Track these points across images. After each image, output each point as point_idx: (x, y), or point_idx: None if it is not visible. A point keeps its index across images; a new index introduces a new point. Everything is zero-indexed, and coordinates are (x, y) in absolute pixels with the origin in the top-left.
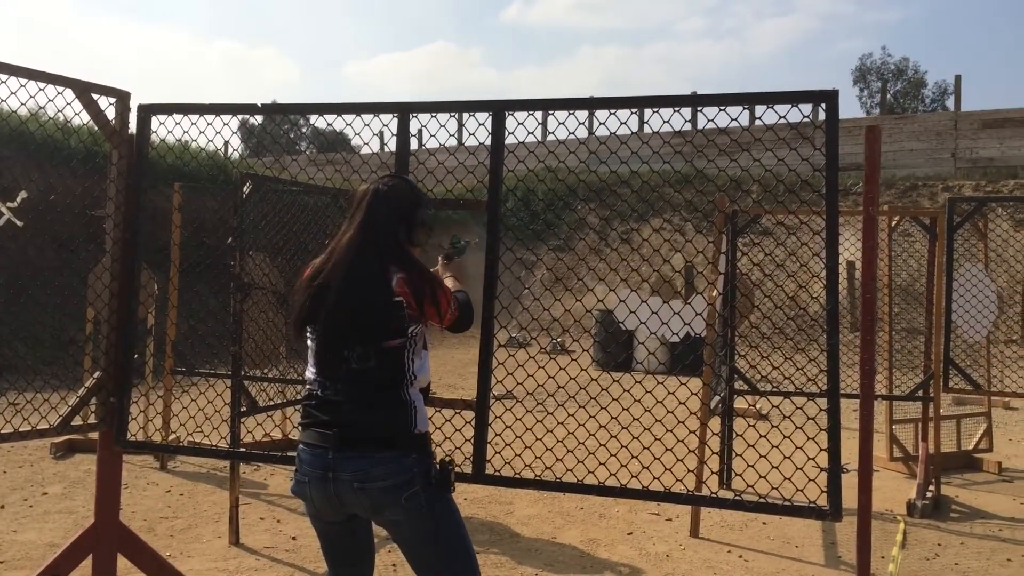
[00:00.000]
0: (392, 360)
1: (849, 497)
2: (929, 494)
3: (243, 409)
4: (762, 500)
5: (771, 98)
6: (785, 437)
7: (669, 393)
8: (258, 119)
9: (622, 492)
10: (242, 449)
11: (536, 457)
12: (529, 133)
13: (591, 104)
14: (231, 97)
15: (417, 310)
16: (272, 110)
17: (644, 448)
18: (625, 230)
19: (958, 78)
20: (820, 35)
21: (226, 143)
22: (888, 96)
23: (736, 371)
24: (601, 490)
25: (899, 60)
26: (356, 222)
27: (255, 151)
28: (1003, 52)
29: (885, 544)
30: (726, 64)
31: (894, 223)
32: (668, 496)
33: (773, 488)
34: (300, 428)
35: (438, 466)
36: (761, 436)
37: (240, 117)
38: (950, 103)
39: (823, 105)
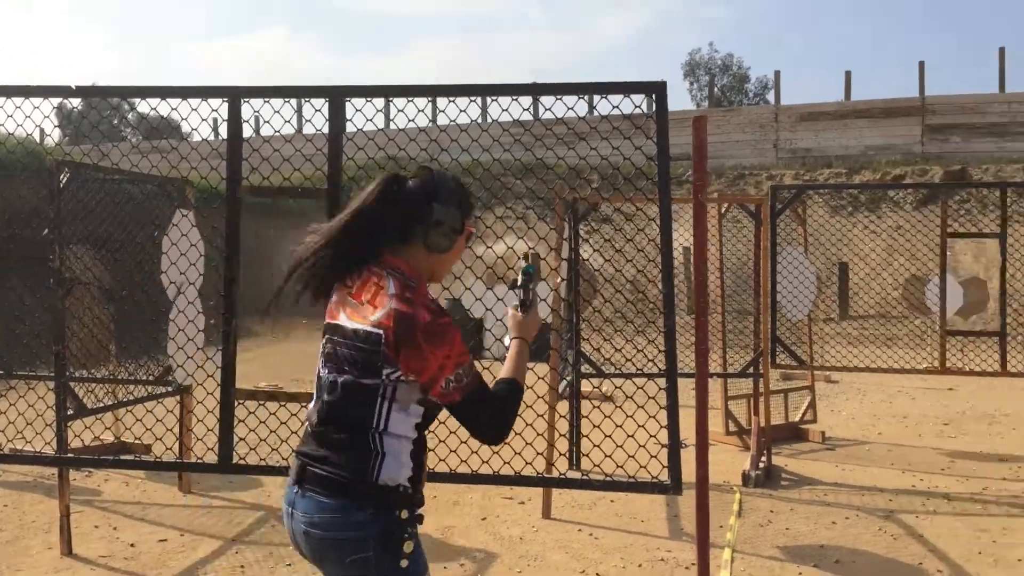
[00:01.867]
0: (359, 400)
1: (689, 471)
2: (761, 465)
3: (70, 412)
4: (608, 479)
5: (605, 88)
6: (628, 416)
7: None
8: (77, 103)
9: (474, 478)
10: (70, 455)
11: None
12: (368, 120)
13: (431, 91)
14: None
15: (394, 355)
16: (89, 92)
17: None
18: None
19: (777, 74)
20: (656, 30)
21: (40, 128)
22: (715, 90)
23: (582, 354)
24: (453, 477)
25: (725, 56)
26: (350, 207)
27: (73, 138)
28: (817, 51)
29: (723, 514)
30: (565, 56)
31: (724, 210)
32: (519, 479)
33: (618, 467)
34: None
35: (397, 526)
36: (606, 417)
37: (55, 101)
38: (771, 97)
39: (654, 96)
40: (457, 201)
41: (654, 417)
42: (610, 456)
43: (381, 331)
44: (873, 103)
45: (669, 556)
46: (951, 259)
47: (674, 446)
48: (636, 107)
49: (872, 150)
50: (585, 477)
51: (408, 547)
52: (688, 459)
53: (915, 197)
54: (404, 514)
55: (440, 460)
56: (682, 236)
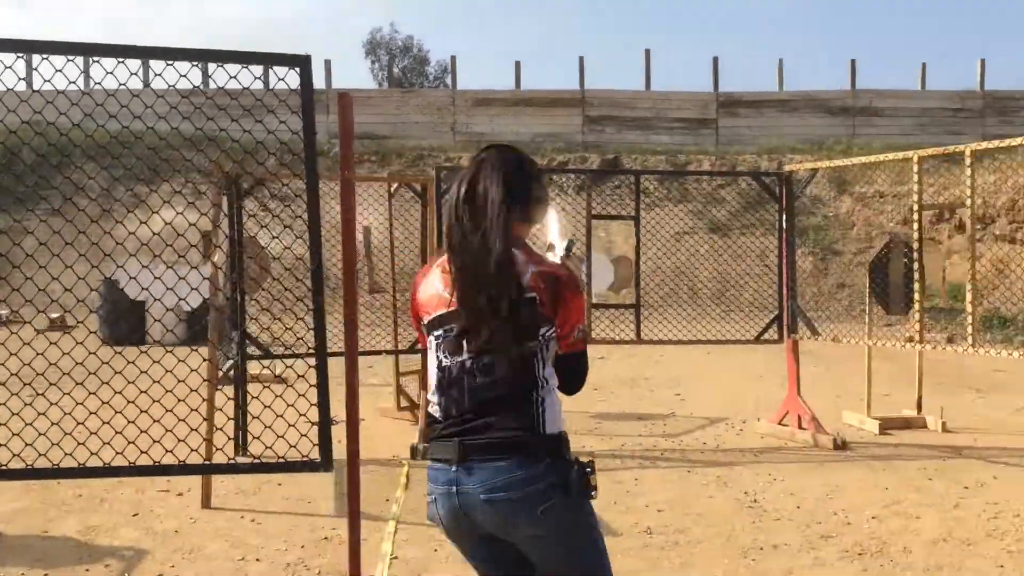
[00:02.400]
0: (521, 368)
1: (343, 450)
2: None
3: None
4: (256, 460)
5: (245, 58)
6: (300, 395)
7: (180, 361)
8: None
9: (129, 470)
10: None
11: (27, 444)
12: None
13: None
14: None
15: (552, 311)
16: None
17: (155, 421)
18: (131, 195)
19: (453, 59)
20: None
21: None
22: (396, 71)
23: (247, 335)
24: (107, 471)
25: (405, 37)
26: (473, 206)
27: None
28: (494, 35)
29: (394, 487)
30: (248, 23)
31: (393, 189)
32: (159, 469)
33: (292, 446)
34: (432, 443)
35: (576, 469)
36: (277, 397)
37: None
38: (450, 81)
39: (298, 69)
40: (540, 175)
41: (303, 395)
42: (283, 437)
43: (535, 294)
44: (540, 93)
45: (334, 534)
46: (606, 239)
47: (324, 423)
48: (279, 79)
49: (540, 137)
50: (232, 462)
51: (594, 480)
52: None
53: (576, 182)
54: (571, 456)
55: (93, 454)
56: (361, 215)
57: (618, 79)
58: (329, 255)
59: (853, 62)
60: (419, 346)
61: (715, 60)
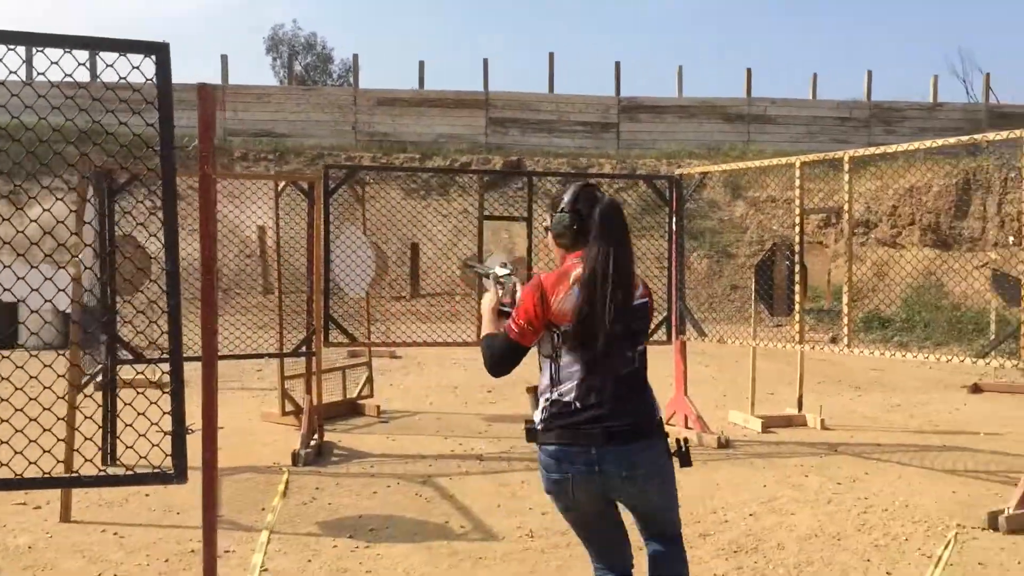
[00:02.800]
0: (644, 359)
1: (223, 458)
2: (313, 443)
3: None
4: (102, 473)
5: (99, 44)
6: (152, 403)
7: (46, 366)
8: None
9: None
10: None
11: None
12: None
13: None
14: None
15: (651, 316)
16: None
17: (17, 431)
18: (11, 189)
19: (355, 57)
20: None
21: None
22: (299, 68)
23: (118, 339)
24: None
25: (308, 34)
26: (619, 233)
27: None
28: (397, 34)
29: (271, 496)
30: (144, 19)
31: (280, 188)
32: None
33: (142, 457)
34: (550, 431)
35: (679, 444)
36: (152, 403)
37: None
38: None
39: (154, 57)
40: None
41: (156, 403)
42: (159, 446)
43: (647, 299)
44: (444, 94)
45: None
46: (508, 240)
47: (179, 433)
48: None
49: (443, 138)
50: (75, 475)
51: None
52: (231, 443)
53: (479, 183)
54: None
55: None
56: (255, 214)
57: (523, 82)
58: (223, 255)
59: (749, 71)
60: (302, 348)
61: (617, 65)
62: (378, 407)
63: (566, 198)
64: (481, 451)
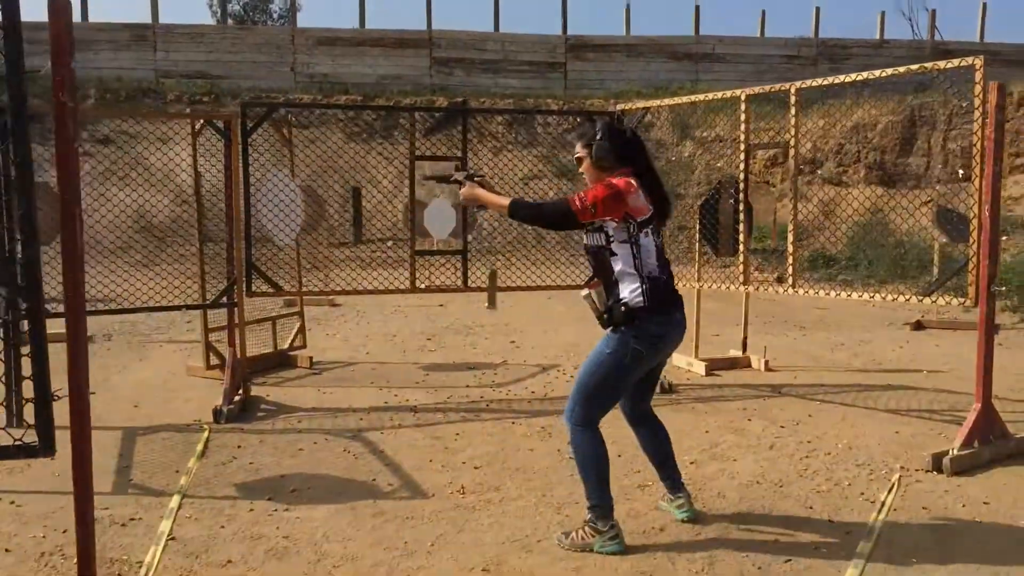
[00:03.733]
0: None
1: (140, 416)
2: (237, 398)
3: None
4: None
5: None
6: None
7: None
8: None
9: None
10: None
11: None
12: None
13: None
14: None
15: None
16: None
17: None
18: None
19: None
20: None
21: None
22: (237, 7)
23: (18, 290)
24: None
25: None
26: (647, 151)
27: None
28: None
29: (187, 457)
30: None
31: (198, 127)
32: None
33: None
34: (660, 301)
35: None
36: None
37: None
38: (299, 20)
39: None
40: None
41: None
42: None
43: None
44: (386, 33)
45: (106, 514)
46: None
47: (42, 399)
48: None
49: (387, 79)
50: None
51: None
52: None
53: (424, 126)
54: None
55: None
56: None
57: (467, 20)
58: (156, 203)
59: (697, 8)
60: (223, 299)
61: (563, 2)
62: (310, 358)
63: (600, 131)
64: (416, 402)
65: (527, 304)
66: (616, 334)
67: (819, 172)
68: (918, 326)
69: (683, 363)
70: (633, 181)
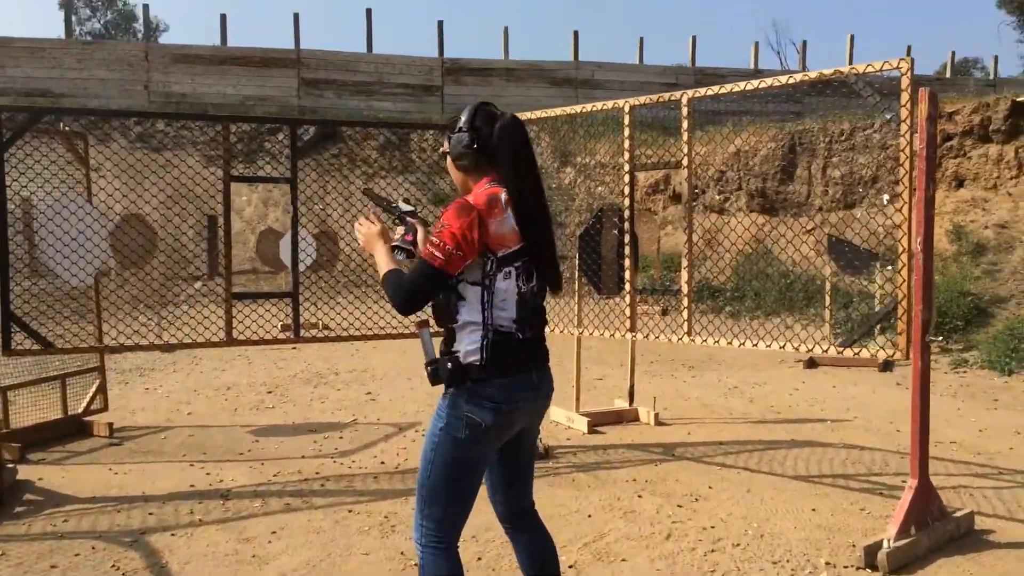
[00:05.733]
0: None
1: None
2: None
3: None
4: None
5: None
6: None
7: None
8: None
9: None
10: None
11: None
12: None
13: None
14: None
15: None
16: None
17: None
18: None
19: (146, 7)
20: None
21: None
22: (98, 27)
23: None
24: None
25: None
26: (526, 152)
27: None
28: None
29: None
30: None
31: None
32: None
33: None
34: (505, 361)
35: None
36: None
37: None
38: (163, 38)
39: None
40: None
41: None
42: None
43: None
44: (251, 51)
45: None
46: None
47: None
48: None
49: (251, 100)
50: None
51: None
52: None
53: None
54: None
55: None
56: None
57: (338, 40)
58: None
59: (576, 33)
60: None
61: (440, 24)
62: (109, 424)
63: (463, 117)
64: (232, 483)
65: (391, 346)
66: (446, 399)
67: (701, 199)
68: (811, 363)
69: (563, 418)
70: (501, 195)
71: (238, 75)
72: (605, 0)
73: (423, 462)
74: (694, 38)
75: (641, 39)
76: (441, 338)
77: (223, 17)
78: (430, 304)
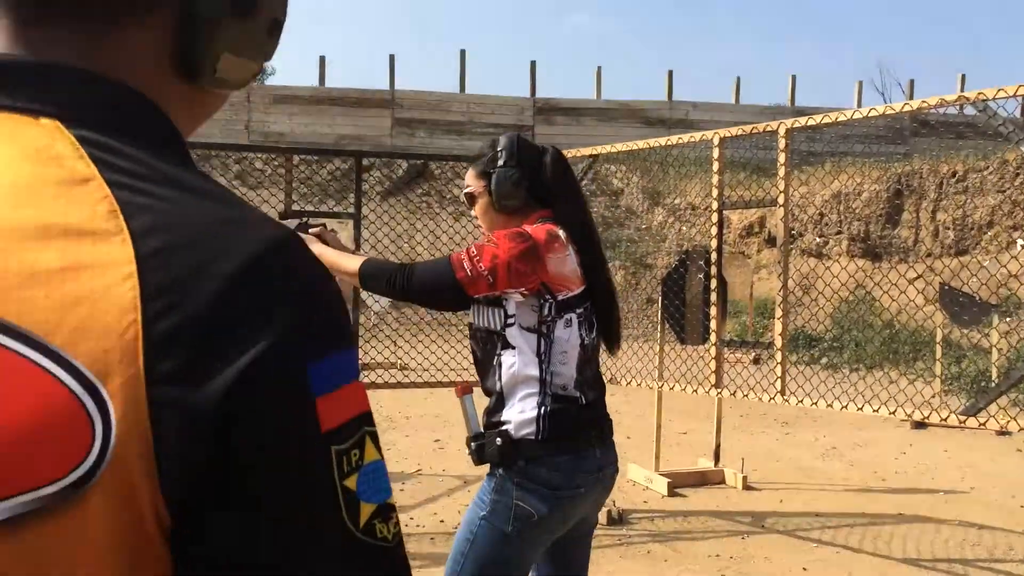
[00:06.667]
0: None
1: None
2: None
3: None
4: None
5: None
6: None
7: None
8: None
9: None
10: None
11: None
12: None
13: None
14: None
15: None
16: None
17: None
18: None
19: None
20: None
21: None
22: None
23: None
24: None
25: None
26: (578, 187)
27: None
28: (299, 32)
29: None
30: None
31: None
32: None
33: None
34: (567, 435)
35: None
36: None
37: None
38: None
39: None
40: None
41: None
42: None
43: None
44: (347, 92)
45: None
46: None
47: None
48: None
49: (346, 139)
50: None
51: None
52: None
53: (381, 189)
54: None
55: None
56: None
57: (432, 81)
58: None
59: (670, 73)
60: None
61: (532, 64)
62: None
63: (504, 151)
64: None
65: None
66: (493, 480)
67: (797, 244)
68: (919, 424)
69: (641, 477)
70: (560, 232)
71: (334, 115)
72: (701, 41)
73: (454, 554)
74: (793, 77)
75: (738, 78)
76: (485, 406)
77: (322, 59)
78: (475, 356)
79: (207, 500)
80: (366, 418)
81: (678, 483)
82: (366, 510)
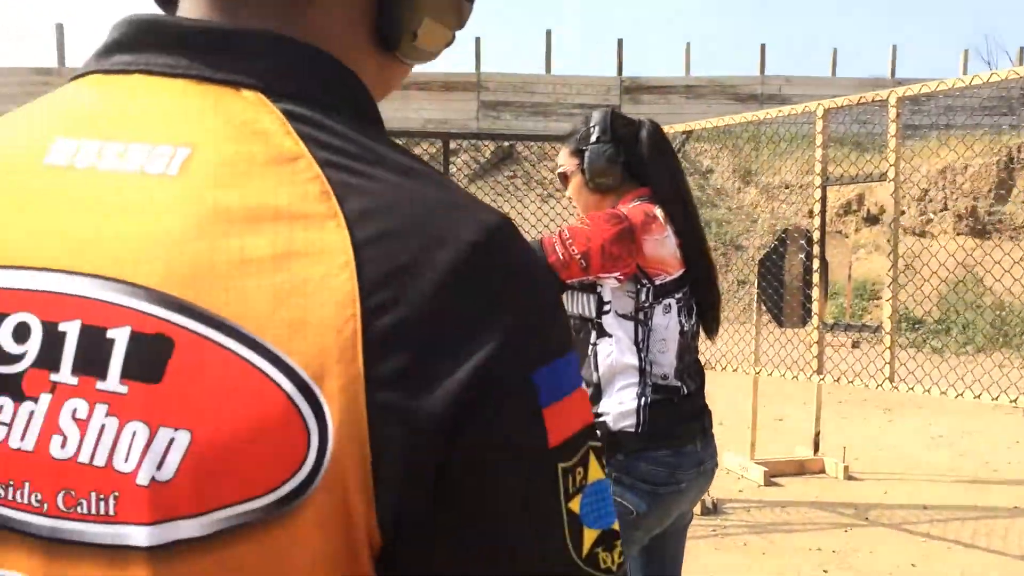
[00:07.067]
0: None
1: None
2: None
3: None
4: None
5: None
6: None
7: None
8: None
9: None
10: None
11: None
12: None
13: None
14: None
15: None
16: None
17: None
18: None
19: None
20: None
21: None
22: None
23: None
24: None
25: None
26: (678, 163)
27: None
28: None
29: None
30: None
31: None
32: None
33: None
34: (668, 429)
35: None
36: None
37: None
38: None
39: None
40: None
41: None
42: None
43: None
44: (434, 76)
45: None
46: None
47: None
48: None
49: (432, 123)
50: None
51: None
52: None
53: (468, 172)
54: None
55: None
56: None
57: (518, 62)
58: None
59: (763, 47)
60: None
61: (619, 42)
62: None
63: (597, 126)
64: None
65: None
66: None
67: (899, 221)
68: None
69: (736, 466)
70: (658, 213)
71: (420, 100)
72: (795, 13)
73: None
74: (894, 47)
75: (835, 50)
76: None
77: None
78: None
79: (423, 520)
80: (590, 431)
81: (775, 472)
82: (589, 536)
